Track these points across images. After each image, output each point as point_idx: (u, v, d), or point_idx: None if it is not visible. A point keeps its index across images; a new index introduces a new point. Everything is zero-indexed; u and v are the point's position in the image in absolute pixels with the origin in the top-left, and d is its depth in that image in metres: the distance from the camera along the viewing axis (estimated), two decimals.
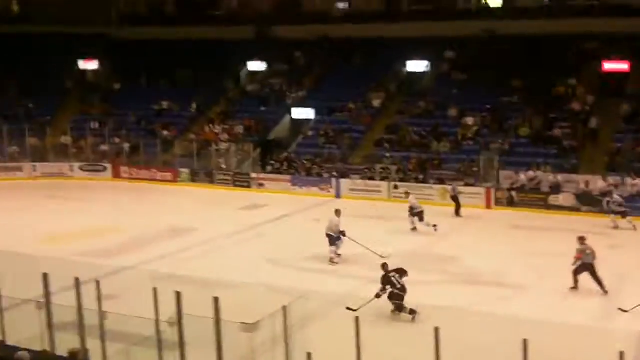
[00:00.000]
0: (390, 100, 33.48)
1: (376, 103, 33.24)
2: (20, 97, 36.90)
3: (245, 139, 32.95)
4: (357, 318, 9.23)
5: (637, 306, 13.76)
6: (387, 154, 29.56)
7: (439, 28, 33.83)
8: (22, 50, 36.47)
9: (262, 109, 35.29)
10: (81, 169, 33.14)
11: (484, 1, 36.61)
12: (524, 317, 13.13)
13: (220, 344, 9.87)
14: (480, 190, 26.32)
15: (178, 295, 10.10)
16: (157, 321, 10.65)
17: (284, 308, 9.81)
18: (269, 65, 37.51)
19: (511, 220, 23.60)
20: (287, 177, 29.83)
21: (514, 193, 25.82)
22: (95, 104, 37.53)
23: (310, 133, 32.87)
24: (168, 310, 10.49)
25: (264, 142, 32.90)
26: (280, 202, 26.63)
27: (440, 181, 27.22)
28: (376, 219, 23.53)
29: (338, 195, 28.27)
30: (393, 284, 13.72)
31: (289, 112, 34.38)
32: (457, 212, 24.74)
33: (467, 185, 26.68)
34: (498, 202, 25.95)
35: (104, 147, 33.94)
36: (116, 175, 32.75)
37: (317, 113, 33.47)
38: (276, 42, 37.86)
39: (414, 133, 30.56)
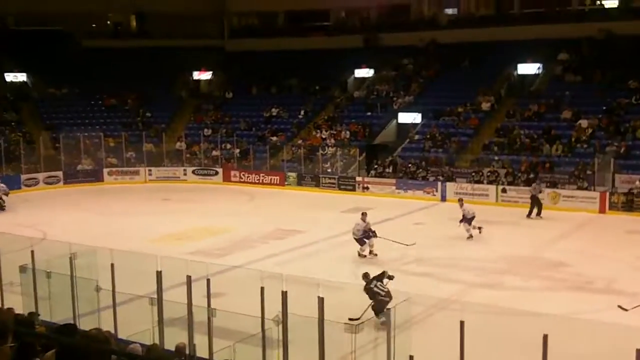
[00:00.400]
0: (500, 103, 32.77)
1: (485, 106, 32.61)
2: (139, 107, 38.79)
3: (351, 144, 33.20)
4: (462, 323, 9.13)
5: (637, 306, 13.30)
6: (496, 157, 28.94)
7: (552, 30, 33.08)
8: (141, 63, 38.46)
9: (368, 114, 35.45)
10: (194, 172, 34.41)
11: (598, 2, 35.30)
12: (636, 326, 12.51)
13: (322, 343, 9.98)
14: (594, 194, 25.30)
15: (284, 294, 10.32)
16: (262, 319, 10.91)
17: (388, 310, 9.82)
18: (376, 72, 37.70)
19: (626, 225, 22.55)
20: (392, 180, 29.78)
21: (630, 197, 24.65)
22: (208, 112, 38.89)
23: (416, 137, 32.68)
24: (273, 308, 10.73)
25: (369, 147, 33.01)
26: (385, 206, 26.59)
27: (552, 184, 26.40)
28: (480, 222, 23.07)
29: (443, 199, 27.93)
30: (377, 293, 13.33)
31: (395, 117, 34.36)
32: (537, 213, 24.18)
33: (579, 189, 25.74)
34: (612, 207, 24.85)
35: (216, 153, 35.13)
36: (226, 178, 33.76)
37: (423, 117, 33.25)
38: (384, 49, 38.06)
39: (525, 136, 29.76)
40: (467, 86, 33.78)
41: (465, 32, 35.74)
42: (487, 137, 30.98)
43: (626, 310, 13.41)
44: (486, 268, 17.76)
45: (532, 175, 27.01)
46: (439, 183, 28.49)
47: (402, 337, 10.09)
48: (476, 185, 27.77)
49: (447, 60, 36.24)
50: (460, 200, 22.18)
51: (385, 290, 13.43)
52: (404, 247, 19.31)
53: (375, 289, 13.53)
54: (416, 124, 33.40)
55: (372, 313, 13.25)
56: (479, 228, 21.10)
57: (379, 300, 13.22)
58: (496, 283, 16.42)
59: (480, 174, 28.23)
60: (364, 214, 19.38)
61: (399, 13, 39.89)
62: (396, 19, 39.78)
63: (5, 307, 10.68)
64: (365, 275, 14.04)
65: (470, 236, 20.99)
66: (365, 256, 18.71)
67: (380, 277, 13.85)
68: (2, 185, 26.77)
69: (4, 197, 26.44)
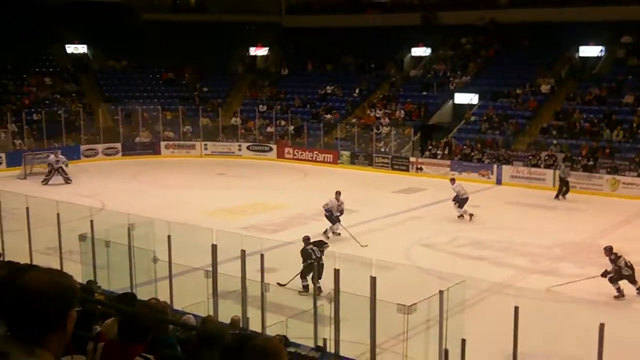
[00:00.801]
0: (560, 85, 32.01)
1: (544, 88, 31.90)
2: (196, 81, 39.20)
3: (405, 123, 32.93)
4: (516, 308, 9.04)
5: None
6: (554, 141, 28.35)
7: (615, 12, 32.06)
8: (199, 37, 38.78)
9: (424, 93, 35.07)
10: (248, 148, 34.69)
11: None
12: None
13: (374, 322, 10.02)
14: None
15: (336, 272, 10.37)
16: (315, 296, 11.01)
17: (441, 293, 9.77)
18: (433, 51, 37.24)
19: None
20: (446, 161, 29.48)
21: None
22: (263, 88, 39.06)
23: (472, 118, 32.22)
24: (325, 286, 10.81)
25: (424, 127, 32.71)
26: (438, 187, 26.33)
27: (612, 170, 25.77)
28: (536, 207, 22.73)
29: (499, 182, 27.54)
30: (310, 256, 13.67)
31: (452, 97, 33.92)
32: (563, 194, 24.27)
33: None
34: None
35: (270, 129, 35.31)
36: (280, 155, 33.94)
37: (480, 98, 32.75)
38: (442, 28, 37.53)
39: (585, 120, 29.05)
40: (526, 67, 33.09)
41: (526, 12, 34.90)
42: (545, 120, 30.35)
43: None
44: (541, 254, 17.49)
45: (591, 162, 26.42)
46: (495, 166, 28.09)
47: (455, 321, 10.05)
48: (533, 169, 27.27)
49: (506, 41, 35.52)
50: (452, 179, 21.95)
51: (318, 256, 13.76)
52: (458, 229, 19.18)
53: (310, 251, 13.91)
54: (473, 105, 32.92)
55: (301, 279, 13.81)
56: (470, 215, 20.77)
57: (309, 264, 13.64)
58: (551, 269, 16.16)
59: (538, 157, 27.70)
60: (337, 193, 19.33)
61: None
62: None
63: None
64: (306, 238, 14.46)
65: (461, 216, 20.87)
66: (328, 237, 18.18)
67: (320, 244, 14.29)
68: (61, 157, 27.41)
69: (65, 169, 27.06)
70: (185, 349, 4.84)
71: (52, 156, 27.13)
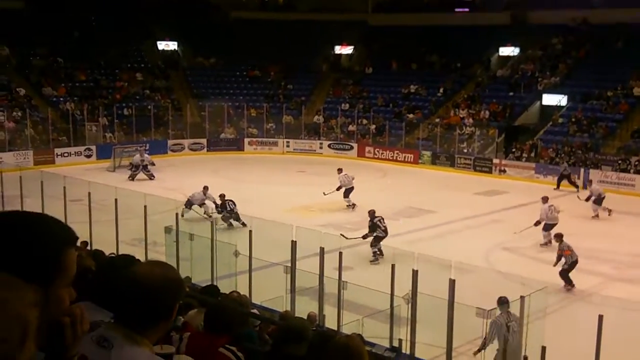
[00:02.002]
0: None
1: (637, 91, 30.70)
2: (281, 79, 39.70)
3: (490, 124, 32.37)
4: (600, 317, 8.78)
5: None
6: None
7: None
8: (285, 36, 39.30)
9: (511, 94, 34.36)
10: (329, 146, 34.87)
11: None
12: None
13: (451, 325, 9.93)
14: None
15: (414, 273, 10.33)
16: (392, 296, 10.99)
17: (522, 298, 9.59)
18: (522, 50, 36.44)
19: None
20: (531, 164, 28.80)
21: None
22: (347, 87, 39.17)
23: (560, 120, 31.33)
24: (403, 286, 10.77)
25: (509, 128, 32.05)
26: (522, 190, 25.82)
27: None
28: (624, 214, 21.93)
29: (586, 186, 26.68)
30: (378, 227, 16.11)
31: (539, 98, 33.10)
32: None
33: None
34: None
35: (352, 128, 35.39)
36: (361, 154, 33.96)
37: (569, 100, 31.83)
38: (531, 27, 36.68)
39: None
40: (618, 69, 31.92)
41: (621, 12, 33.61)
42: (637, 124, 29.23)
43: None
44: (626, 262, 16.89)
45: None
46: (582, 169, 27.25)
47: (536, 327, 9.84)
48: (622, 174, 26.31)
49: (599, 41, 34.35)
50: (544, 198, 21.17)
51: (384, 227, 16.29)
52: (540, 233, 18.70)
53: (379, 223, 16.16)
54: (561, 107, 32.02)
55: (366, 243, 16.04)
56: (609, 210, 21.26)
57: (377, 236, 16.09)
58: (637, 278, 15.58)
59: (627, 162, 26.70)
60: (340, 170, 22.83)
61: None
62: None
63: None
64: (372, 212, 16.67)
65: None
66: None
67: (382, 218, 16.60)
68: (146, 156, 28.29)
69: (149, 168, 27.93)
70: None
71: (137, 155, 27.97)
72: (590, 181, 23.36)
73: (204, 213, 19.82)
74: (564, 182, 26.34)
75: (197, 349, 4.09)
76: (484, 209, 22.60)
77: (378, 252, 16.06)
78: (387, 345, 10.61)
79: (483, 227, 20.20)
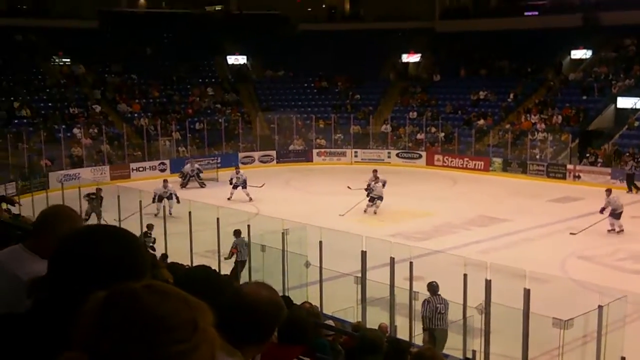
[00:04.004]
0: None
1: None
2: (348, 89, 39.85)
3: (563, 129, 31.62)
4: None
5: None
6: None
7: None
8: (352, 46, 39.50)
9: (584, 98, 33.50)
10: (398, 155, 34.72)
11: None
12: None
13: (527, 336, 9.76)
14: None
15: (488, 283, 10.20)
16: (464, 306, 10.87)
17: (600, 308, 9.36)
18: (595, 53, 35.53)
19: None
20: (607, 169, 27.96)
21: None
22: (415, 95, 38.98)
23: (636, 124, 30.34)
24: (476, 296, 10.64)
25: (583, 133, 31.23)
26: (597, 196, 25.01)
27: None
28: None
29: None
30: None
31: (614, 102, 32.16)
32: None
33: None
34: None
35: (420, 136, 35.17)
36: (430, 162, 33.69)
37: None
38: (604, 29, 35.71)
39: None
40: None
41: None
42: None
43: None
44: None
45: None
46: None
47: (614, 337, 9.57)
48: None
49: None
50: (608, 190, 20.53)
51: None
52: (619, 241, 18.18)
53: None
54: (637, 110, 31.00)
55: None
56: (618, 229, 19.53)
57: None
58: None
59: None
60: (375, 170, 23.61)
61: None
62: None
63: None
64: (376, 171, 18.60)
65: (613, 229, 19.60)
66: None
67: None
68: (196, 166, 28.98)
69: (200, 175, 28.54)
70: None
71: (187, 165, 28.91)
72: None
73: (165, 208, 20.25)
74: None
75: (270, 359, 4.16)
76: (559, 216, 22.08)
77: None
78: (461, 356, 10.49)
79: (558, 235, 19.73)
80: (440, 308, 11.15)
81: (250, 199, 24.86)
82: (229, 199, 25.41)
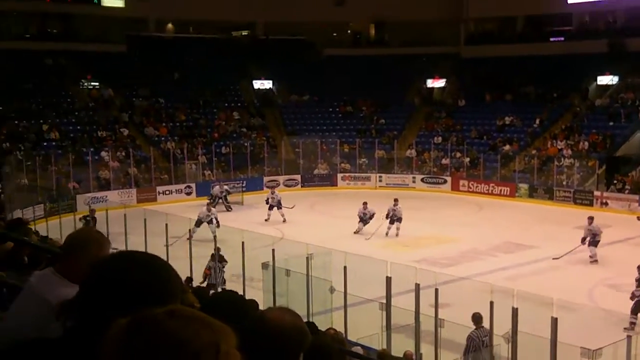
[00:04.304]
0: None
1: None
2: (373, 114, 39.93)
3: (590, 155, 31.34)
4: None
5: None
6: None
7: None
8: (377, 71, 39.78)
9: (611, 124, 33.22)
10: (422, 180, 34.61)
11: None
12: None
13: None
14: None
15: (514, 310, 10.07)
16: (491, 335, 10.73)
17: (629, 338, 9.20)
18: (621, 79, 35.28)
19: None
20: (635, 196, 27.62)
21: None
22: (439, 120, 38.94)
23: None
24: (502, 324, 10.50)
25: (610, 159, 30.90)
26: (625, 223, 24.74)
27: None
28: None
29: None
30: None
31: None
32: None
33: None
34: None
35: (445, 161, 35.05)
36: (455, 188, 33.52)
37: None
38: (630, 55, 35.50)
39: None
40: None
41: None
42: None
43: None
44: None
45: None
46: None
47: None
48: None
49: None
50: (590, 218, 20.14)
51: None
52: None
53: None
54: None
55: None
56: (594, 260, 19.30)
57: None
58: None
59: None
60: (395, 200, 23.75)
61: None
62: None
63: None
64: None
65: (595, 261, 19.27)
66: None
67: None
68: (225, 187, 29.25)
69: (227, 198, 28.71)
70: None
71: (216, 187, 29.10)
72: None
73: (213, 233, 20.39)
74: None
75: None
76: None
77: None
78: None
79: (586, 263, 19.46)
80: (486, 341, 10.67)
81: (284, 220, 25.10)
82: (266, 220, 25.97)
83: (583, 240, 19.66)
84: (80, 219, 21.36)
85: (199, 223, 21.84)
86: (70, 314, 1.73)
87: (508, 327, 10.30)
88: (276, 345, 1.89)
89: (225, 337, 1.28)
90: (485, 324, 10.73)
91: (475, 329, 10.77)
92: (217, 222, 22.04)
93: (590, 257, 19.41)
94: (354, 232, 23.70)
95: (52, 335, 1.78)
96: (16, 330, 2.04)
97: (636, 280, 14.45)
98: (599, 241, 19.56)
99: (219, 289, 14.03)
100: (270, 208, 26.36)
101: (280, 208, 26.20)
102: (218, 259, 15.89)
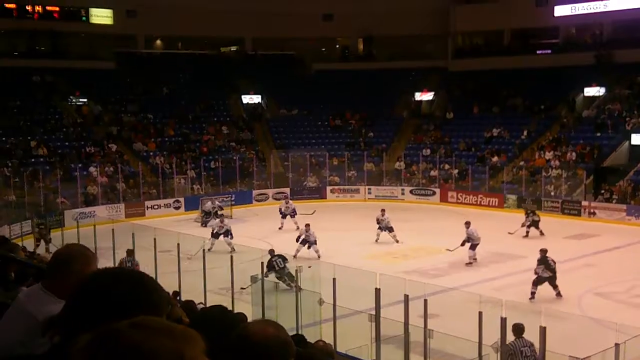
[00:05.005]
0: None
1: None
2: (361, 127, 40.08)
3: (577, 166, 31.56)
4: None
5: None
6: None
7: None
8: (365, 84, 39.99)
9: (598, 135, 33.49)
10: (411, 192, 34.72)
11: None
12: None
13: None
14: None
15: (503, 320, 10.13)
16: (480, 345, 10.77)
17: (617, 346, 9.26)
18: (608, 90, 35.60)
19: None
20: (622, 206, 27.81)
21: None
22: (428, 132, 39.10)
23: None
24: (491, 334, 10.55)
25: (597, 169, 31.13)
26: (613, 233, 24.92)
27: None
28: None
29: None
30: (273, 267, 16.08)
31: (628, 138, 32.13)
32: None
33: None
34: None
35: (434, 173, 35.20)
36: (443, 199, 33.63)
37: None
38: (617, 67, 35.87)
39: None
40: None
41: None
42: None
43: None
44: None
45: None
46: None
47: None
48: None
49: None
50: (467, 223, 20.97)
51: (282, 266, 16.42)
52: (635, 278, 17.95)
53: (274, 264, 16.30)
54: None
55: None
56: (472, 261, 20.40)
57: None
58: None
59: None
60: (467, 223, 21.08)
61: (636, 28, 37.18)
62: (632, 35, 37.13)
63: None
64: (271, 251, 16.93)
65: (470, 263, 20.28)
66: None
67: (284, 258, 16.80)
68: (217, 203, 29.20)
69: (220, 213, 28.35)
70: None
71: (208, 203, 29.10)
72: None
73: (229, 246, 21.21)
74: None
75: None
76: (575, 253, 21.92)
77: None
78: None
79: (574, 272, 19.53)
80: (525, 351, 10.09)
81: (298, 227, 25.07)
82: (280, 228, 26.76)
83: (463, 243, 20.65)
84: (36, 227, 21.82)
85: (217, 235, 22.59)
86: (56, 329, 1.76)
87: (497, 337, 10.34)
88: (260, 359, 1.91)
89: (191, 344, 1.29)
90: (474, 334, 10.78)
91: (515, 339, 10.28)
92: (231, 234, 22.71)
93: (469, 258, 20.47)
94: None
95: (39, 352, 1.81)
96: (3, 347, 2.06)
97: (537, 261, 16.72)
98: (477, 244, 20.56)
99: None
100: (284, 217, 27.04)
101: (294, 217, 26.80)
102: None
